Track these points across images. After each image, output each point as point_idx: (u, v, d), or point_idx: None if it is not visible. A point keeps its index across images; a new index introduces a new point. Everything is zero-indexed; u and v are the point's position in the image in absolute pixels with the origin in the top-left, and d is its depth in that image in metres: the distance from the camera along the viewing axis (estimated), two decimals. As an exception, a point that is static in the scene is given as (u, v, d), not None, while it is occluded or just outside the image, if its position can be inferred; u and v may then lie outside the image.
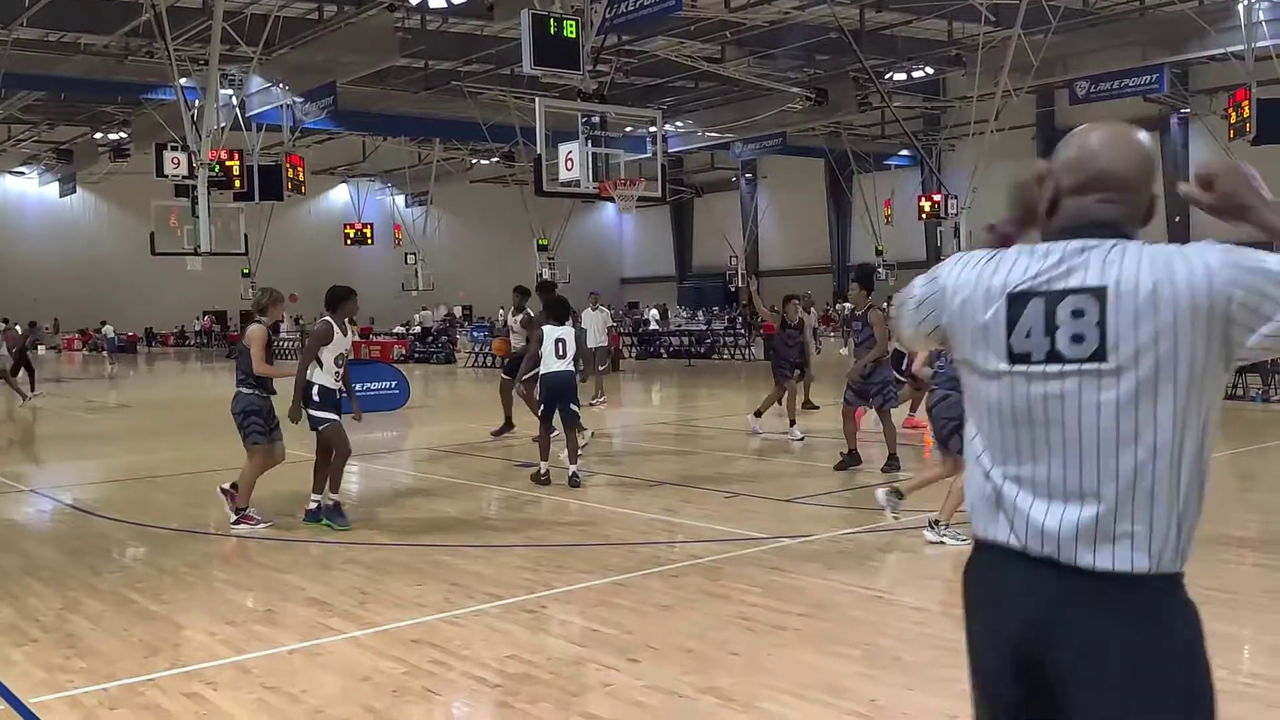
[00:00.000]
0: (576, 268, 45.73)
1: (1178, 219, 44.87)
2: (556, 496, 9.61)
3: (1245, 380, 16.31)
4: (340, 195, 58.12)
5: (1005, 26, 26.08)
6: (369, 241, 48.63)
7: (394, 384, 18.66)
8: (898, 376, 11.41)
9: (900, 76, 34.33)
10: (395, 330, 40.86)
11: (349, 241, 48.73)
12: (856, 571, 6.72)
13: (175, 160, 20.90)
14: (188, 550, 7.83)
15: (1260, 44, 26.58)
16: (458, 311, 51.13)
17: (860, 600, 6.09)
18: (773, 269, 60.57)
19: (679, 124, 38.21)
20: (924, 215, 30.09)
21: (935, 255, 45.81)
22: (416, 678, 4.91)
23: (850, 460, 10.40)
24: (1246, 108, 25.17)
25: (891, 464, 10.14)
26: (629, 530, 8.16)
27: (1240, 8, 26.37)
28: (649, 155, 17.55)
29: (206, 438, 14.59)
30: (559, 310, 10.34)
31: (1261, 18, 26.10)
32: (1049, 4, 25.01)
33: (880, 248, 44.77)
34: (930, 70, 34.40)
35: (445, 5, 24.23)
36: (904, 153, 48.37)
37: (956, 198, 28.84)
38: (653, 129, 19.27)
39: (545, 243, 42.65)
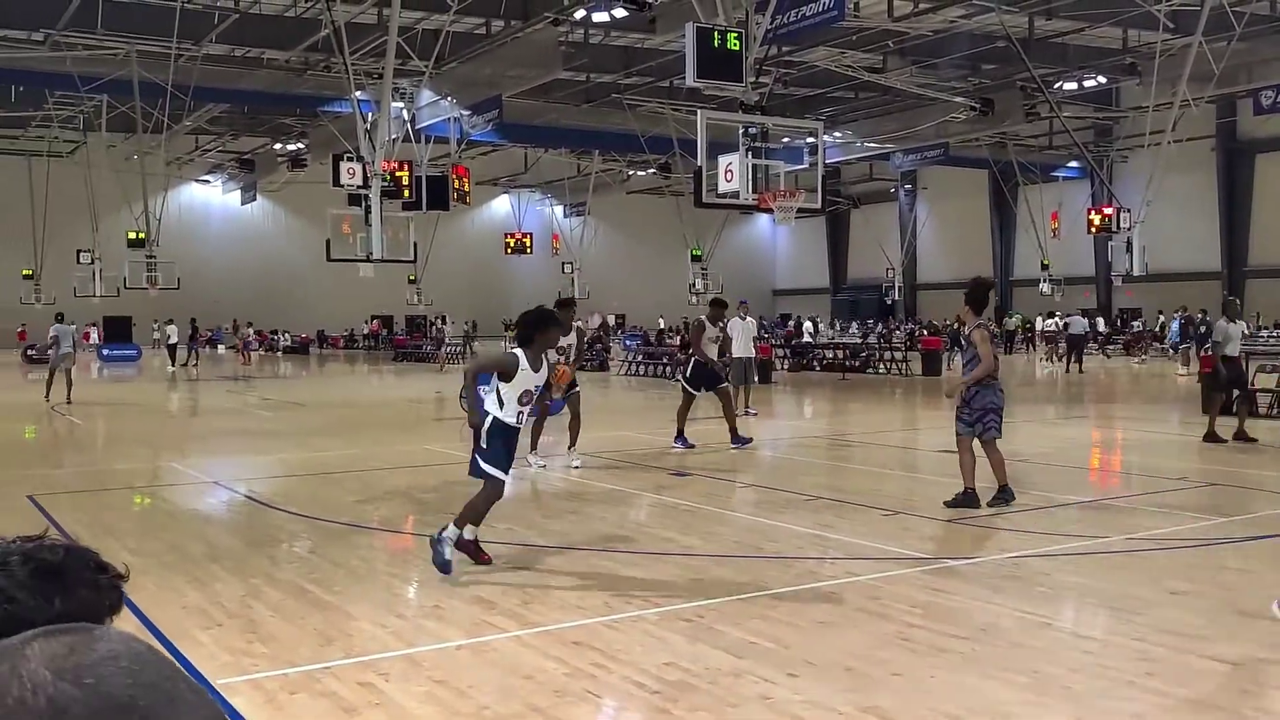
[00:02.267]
0: (729, 278, 45.70)
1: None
2: (710, 507, 9.64)
3: None
4: (502, 205, 59.64)
5: (1185, 34, 25.00)
6: (528, 251, 49.70)
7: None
8: None
9: (1070, 86, 33.24)
10: (551, 337, 41.60)
11: (509, 250, 49.91)
12: (1023, 596, 6.52)
13: (350, 170, 21.78)
14: (358, 545, 8.16)
15: None
16: (611, 320, 51.77)
17: (1026, 626, 5.91)
18: (932, 282, 59.32)
19: (838, 135, 37.84)
20: (1093, 229, 28.98)
21: (1105, 271, 44.15)
22: (578, 679, 5.00)
23: (965, 500, 9.16)
24: None
25: (1000, 497, 9.23)
26: (784, 544, 8.12)
27: None
28: (807, 166, 17.43)
29: (375, 437, 15.21)
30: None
31: None
32: (1233, 10, 23.85)
33: (1046, 261, 43.39)
34: (1103, 79, 33.19)
35: (608, 19, 24.62)
36: (1073, 164, 46.76)
37: (1129, 211, 27.69)
38: (811, 140, 19.14)
39: (699, 253, 42.82)
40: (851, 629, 5.82)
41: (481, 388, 7.21)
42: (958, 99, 33.98)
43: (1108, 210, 28.48)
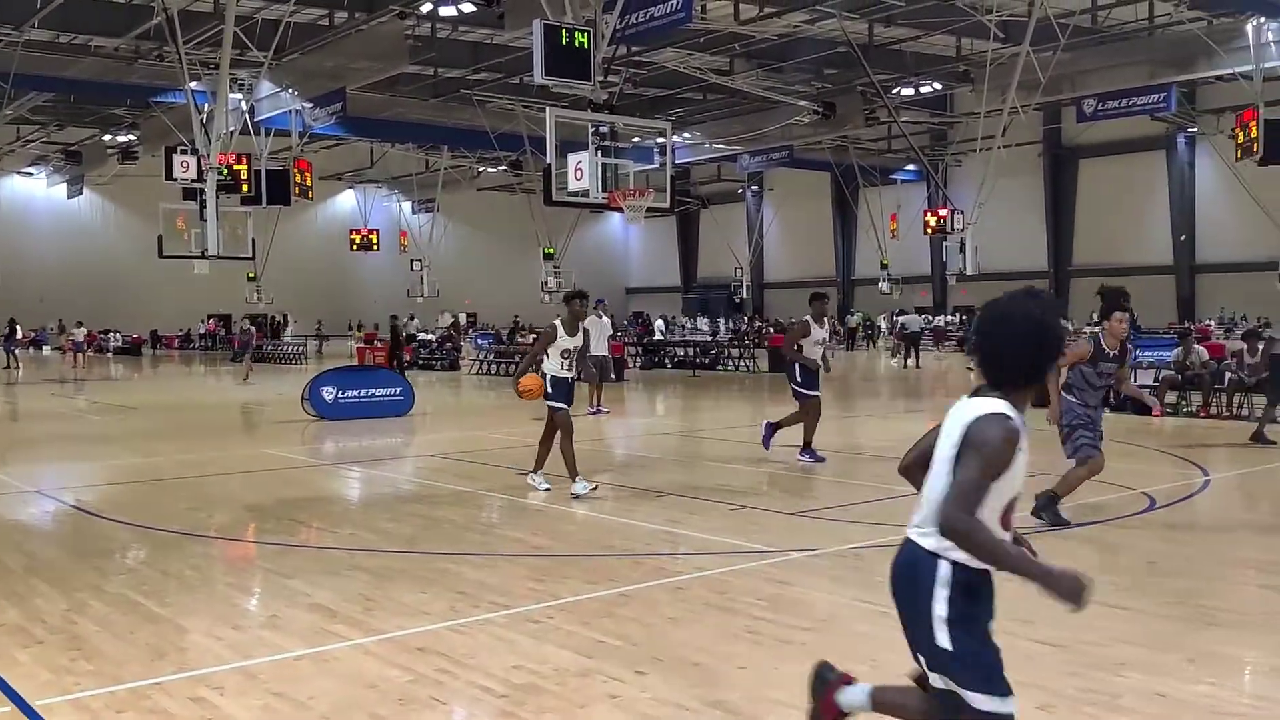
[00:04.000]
0: (582, 276, 45.63)
1: (1183, 238, 44.90)
2: (560, 506, 9.61)
3: (1250, 400, 16.30)
4: (347, 201, 58.28)
5: (1014, 43, 26.16)
6: (375, 248, 48.77)
7: (399, 391, 18.68)
8: None
9: (908, 92, 34.42)
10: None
11: (355, 247, 48.89)
12: (864, 587, 6.70)
13: (184, 164, 20.96)
14: (192, 553, 7.83)
15: (1268, 65, 26.65)
16: (463, 318, 51.20)
17: (867, 615, 6.07)
18: (778, 281, 60.66)
19: (686, 135, 38.31)
20: (929, 230, 30.13)
21: (941, 270, 45.92)
22: (423, 686, 4.90)
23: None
24: (1254, 128, 25.24)
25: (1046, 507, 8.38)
26: (634, 541, 8.15)
27: (1249, 28, 26.43)
28: (656, 166, 17.59)
29: (211, 441, 14.64)
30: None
31: (1270, 38, 26.16)
32: (1058, 22, 25.09)
33: (885, 261, 44.84)
34: (938, 86, 34.49)
35: (456, 14, 24.31)
36: (910, 167, 48.44)
37: (963, 213, 28.86)
38: (660, 140, 19.31)
39: (551, 251, 42.73)
40: (699, 624, 5.87)
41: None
42: (802, 102, 34.81)
43: (943, 212, 29.64)
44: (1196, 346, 17.64)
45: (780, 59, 32.10)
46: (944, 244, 30.93)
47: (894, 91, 33.85)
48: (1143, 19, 28.52)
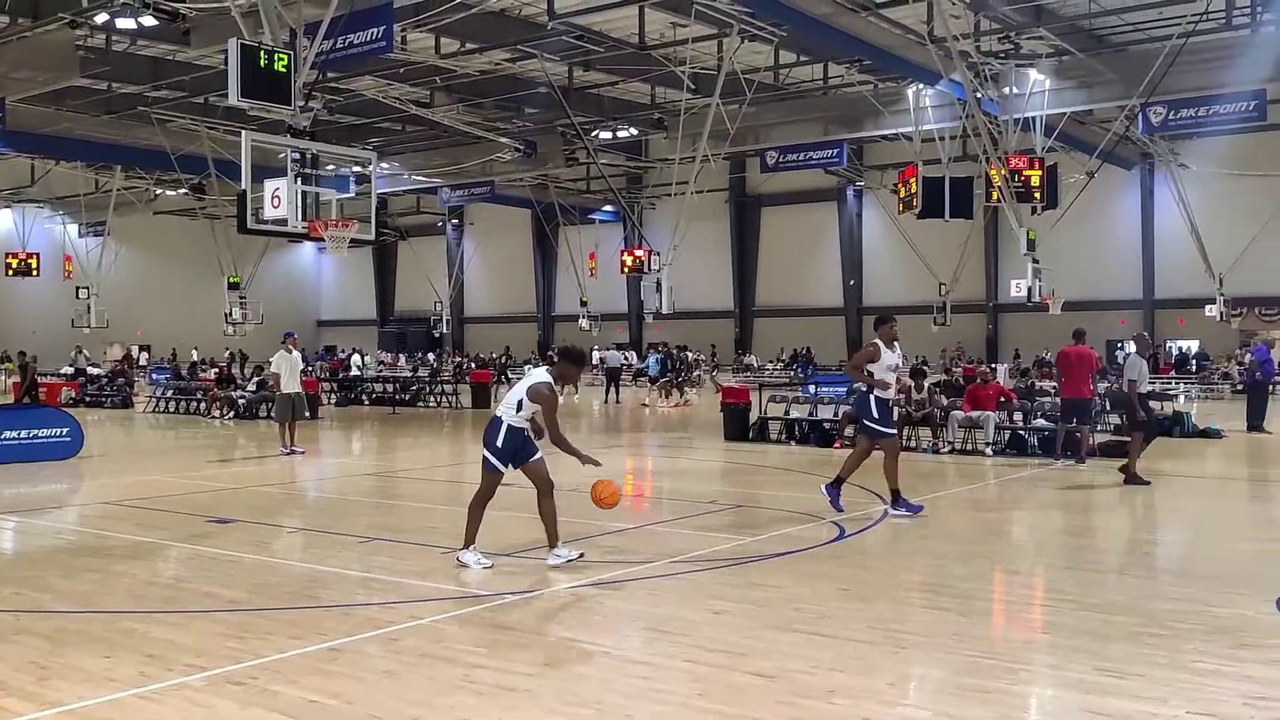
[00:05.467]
0: (270, 308, 43.77)
1: (851, 283, 48.65)
2: (259, 555, 9.03)
3: (917, 433, 17.75)
4: (3, 221, 52.92)
5: (705, 95, 27.45)
6: (35, 273, 44.58)
7: (65, 431, 17.04)
8: None
9: (606, 135, 35.34)
10: (63, 371, 37.36)
11: (11, 272, 44.47)
12: (581, 627, 6.70)
13: None
14: None
15: (926, 127, 29.40)
16: (135, 351, 47.64)
17: (587, 656, 6.06)
18: (479, 316, 60.52)
19: (385, 166, 37.56)
20: (626, 269, 30.96)
21: (638, 308, 47.35)
22: (110, 766, 4.41)
23: None
24: (914, 184, 27.66)
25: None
26: (341, 591, 7.77)
27: (909, 93, 29.06)
28: (353, 195, 17.09)
29: None
30: None
31: (927, 104, 28.87)
32: (744, 77, 26.58)
33: (585, 299, 45.71)
34: (635, 131, 35.64)
35: (135, 27, 22.66)
36: (608, 208, 49.80)
37: (658, 254, 29.89)
38: (357, 168, 18.80)
39: (237, 280, 40.60)
40: (416, 676, 5.65)
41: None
42: (503, 139, 34.99)
43: (639, 252, 30.54)
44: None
45: (482, 95, 32.15)
46: (641, 283, 31.88)
47: (593, 134, 34.69)
48: (818, 79, 30.74)
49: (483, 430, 8.57)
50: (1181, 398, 24.22)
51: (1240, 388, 26.06)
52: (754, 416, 19.86)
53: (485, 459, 8.49)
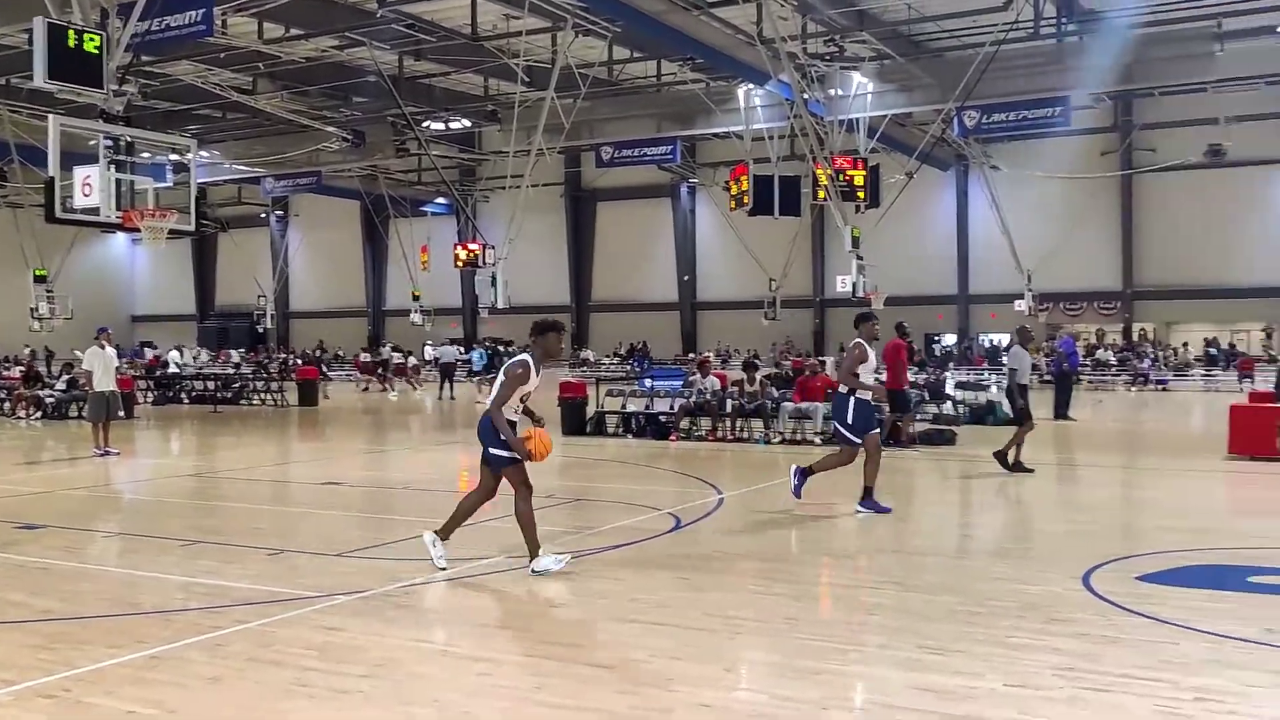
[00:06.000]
0: (81, 302, 41.35)
1: (686, 278, 49.35)
2: (72, 562, 8.54)
3: (749, 424, 18.13)
4: None
5: (539, 88, 27.37)
6: None
7: None
8: None
9: (438, 126, 34.86)
10: None
11: None
12: (417, 625, 6.58)
13: None
14: None
15: (756, 126, 30.05)
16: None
17: (424, 655, 5.95)
18: (305, 310, 58.81)
19: (205, 154, 36.08)
20: (460, 263, 30.59)
21: (472, 303, 46.85)
22: (-97, 792, 4.10)
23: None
24: (745, 181, 28.23)
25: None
26: (161, 597, 7.42)
27: (739, 93, 29.65)
28: (171, 185, 16.34)
29: None
30: None
31: (757, 103, 29.52)
32: (579, 72, 26.62)
33: (417, 293, 44.91)
34: (468, 123, 35.26)
35: (-76, -1, 21.10)
36: (441, 201, 49.12)
37: (494, 248, 29.66)
38: (175, 156, 17.98)
39: (44, 273, 38.23)
40: (244, 682, 5.44)
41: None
42: (330, 128, 34.08)
43: (473, 246, 30.23)
44: (710, 376, 19.35)
45: (307, 82, 31.22)
46: (475, 277, 31.55)
47: (424, 125, 34.13)
48: (652, 76, 31.03)
49: (475, 429, 8.14)
50: (994, 388, 25.48)
51: (1048, 378, 27.60)
52: (591, 410, 19.91)
53: (490, 455, 7.91)
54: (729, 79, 29.45)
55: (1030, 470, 13.58)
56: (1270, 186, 39.20)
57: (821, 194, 27.23)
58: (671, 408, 18.88)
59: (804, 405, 17.74)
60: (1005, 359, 14.83)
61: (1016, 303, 38.88)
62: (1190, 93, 32.12)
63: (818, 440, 17.28)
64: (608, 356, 47.88)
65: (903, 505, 12.04)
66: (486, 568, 8.11)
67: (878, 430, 10.58)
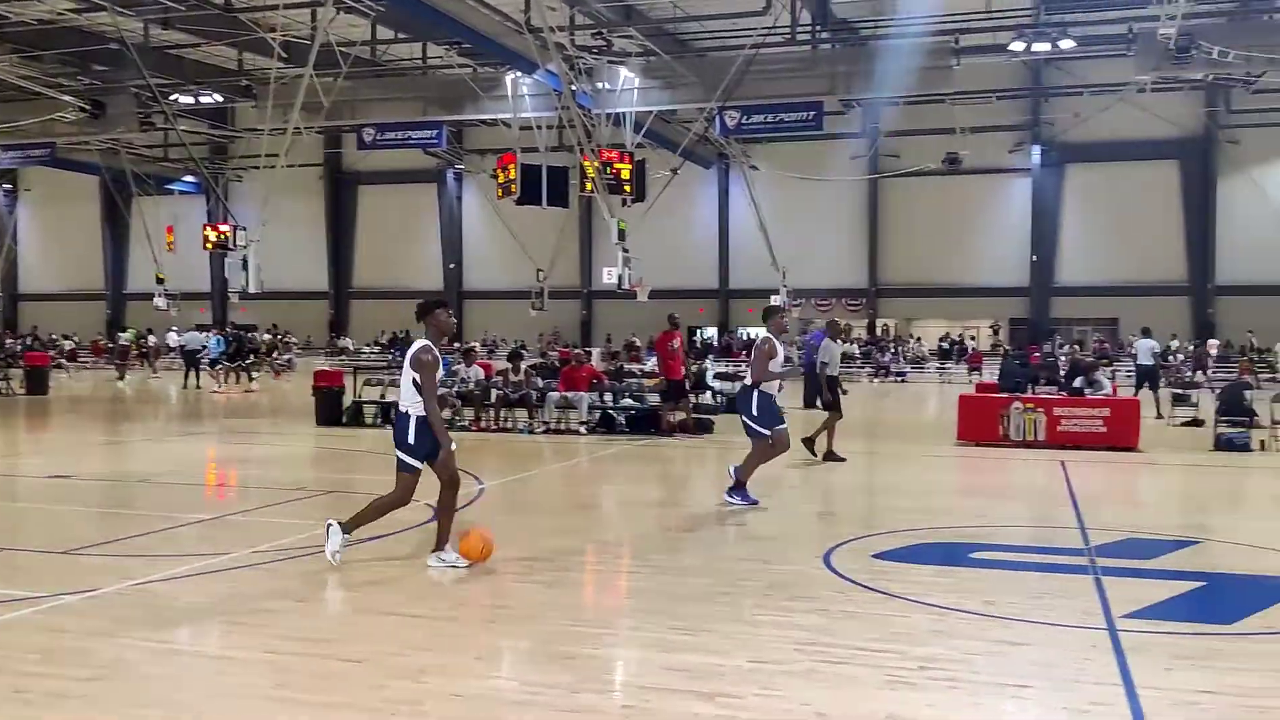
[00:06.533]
0: None
1: (452, 266, 48.72)
2: None
3: (514, 414, 18.07)
4: None
5: (297, 65, 26.30)
6: None
7: None
8: None
9: (187, 100, 32.96)
10: None
11: None
12: (149, 624, 6.18)
13: None
14: None
15: (524, 115, 29.96)
16: None
17: (156, 655, 5.60)
18: (35, 293, 54.54)
19: (-82, 119, 32.78)
20: (210, 245, 28.99)
21: (222, 287, 44.61)
22: None
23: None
24: (512, 170, 28.05)
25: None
26: None
27: (508, 80, 29.49)
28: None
29: None
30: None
31: (525, 92, 29.44)
32: (340, 49, 25.74)
33: (161, 275, 42.27)
34: (219, 97, 33.49)
35: None
36: (189, 179, 46.59)
37: (246, 230, 28.28)
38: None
39: None
40: (-53, 693, 4.97)
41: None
42: (66, 97, 31.62)
43: (224, 227, 28.74)
44: (474, 366, 19.14)
45: (40, 47, 28.87)
46: (226, 260, 30.01)
47: (172, 98, 32.18)
48: (418, 58, 30.42)
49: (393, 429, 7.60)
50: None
51: (800, 370, 28.83)
52: (348, 401, 19.34)
53: (399, 460, 7.45)
54: (497, 66, 29.21)
55: (843, 459, 14.11)
56: (1000, 194, 42.39)
57: (589, 186, 27.41)
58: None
59: (569, 395, 17.84)
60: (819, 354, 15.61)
61: (773, 297, 40.43)
62: (931, 103, 34.26)
63: (582, 430, 17.42)
64: (368, 345, 46.71)
65: (662, 491, 12.31)
66: (230, 563, 7.73)
67: (784, 426, 10.50)
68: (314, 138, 34.55)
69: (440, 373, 7.59)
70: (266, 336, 42.51)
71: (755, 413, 10.33)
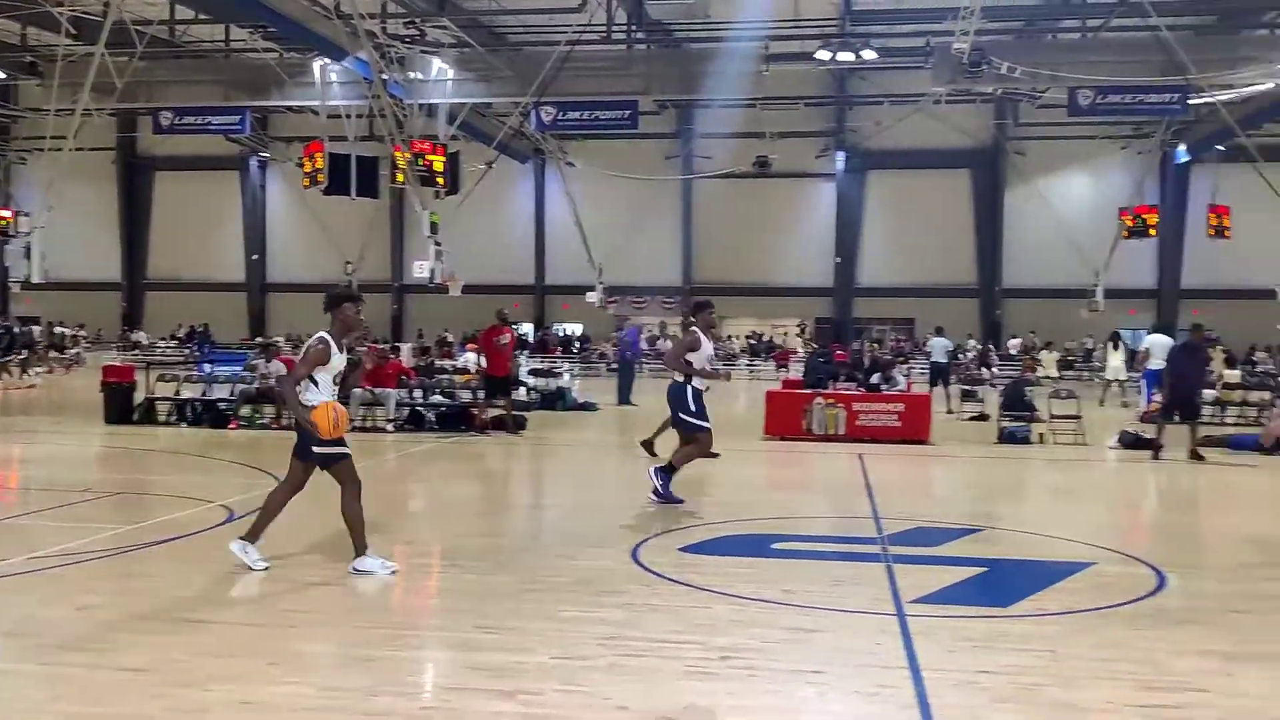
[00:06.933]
0: None
1: (255, 257, 46.98)
2: None
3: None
4: None
5: (88, 42, 24.82)
6: None
7: None
8: None
9: (-41, 74, 30.66)
10: None
11: None
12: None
13: None
14: None
15: (333, 103, 29.14)
16: None
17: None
18: None
19: None
20: (-6, 232, 27.13)
21: (3, 277, 41.70)
22: None
23: None
24: (320, 159, 27.21)
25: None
26: None
27: (315, 67, 28.62)
28: None
29: None
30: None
31: (334, 79, 28.63)
32: (135, 28, 24.45)
33: (-69, 264, 39.28)
34: (2, 75, 31.27)
35: None
36: (-36, 159, 43.32)
37: (29, 215, 26.53)
38: None
39: None
40: None
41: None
42: None
43: (5, 213, 26.96)
44: (275, 362, 18.48)
45: None
46: (6, 247, 28.07)
47: (-56, 71, 29.90)
48: (220, 40, 29.16)
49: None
50: (565, 375, 26.49)
51: (614, 366, 29.13)
52: (140, 397, 18.38)
53: (300, 448, 7.33)
54: (304, 51, 28.30)
55: (656, 454, 13.96)
56: (807, 197, 43.75)
57: (400, 177, 26.88)
58: (231, 394, 17.86)
59: (376, 391, 17.44)
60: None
61: (589, 294, 40.64)
62: (742, 107, 35.10)
63: (389, 427, 17.07)
64: (164, 339, 44.51)
65: (472, 488, 12.20)
66: (6, 569, 7.23)
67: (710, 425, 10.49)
68: (106, 120, 32.59)
69: (334, 367, 7.21)
70: (46, 329, 39.90)
71: (692, 407, 10.30)
